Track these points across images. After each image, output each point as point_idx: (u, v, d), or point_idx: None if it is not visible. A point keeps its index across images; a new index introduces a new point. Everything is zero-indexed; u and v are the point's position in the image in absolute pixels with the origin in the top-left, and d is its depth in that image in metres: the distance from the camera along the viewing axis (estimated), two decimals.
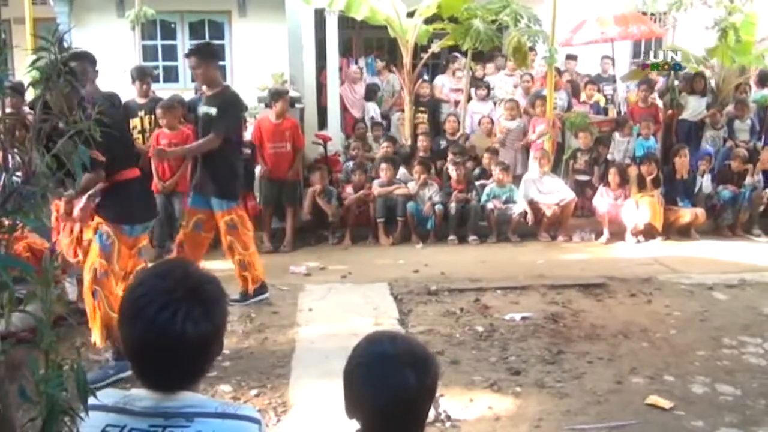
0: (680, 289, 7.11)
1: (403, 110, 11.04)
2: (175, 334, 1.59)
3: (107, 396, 1.70)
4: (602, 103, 11.76)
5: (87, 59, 5.68)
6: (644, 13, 12.62)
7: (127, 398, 1.68)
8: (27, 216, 1.68)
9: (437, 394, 4.59)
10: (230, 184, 6.30)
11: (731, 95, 11.47)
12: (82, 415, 1.60)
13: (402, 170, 9.59)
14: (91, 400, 1.63)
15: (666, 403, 4.59)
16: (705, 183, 9.88)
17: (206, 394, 1.90)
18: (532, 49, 11.32)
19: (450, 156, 9.80)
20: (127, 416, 1.65)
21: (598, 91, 11.83)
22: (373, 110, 11.57)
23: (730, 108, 11.13)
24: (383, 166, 9.31)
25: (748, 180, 9.68)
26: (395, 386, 1.72)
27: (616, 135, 10.44)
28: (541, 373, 5.10)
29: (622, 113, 11.52)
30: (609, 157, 10.24)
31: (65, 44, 1.85)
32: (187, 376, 1.67)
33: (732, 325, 6.07)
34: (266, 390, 4.78)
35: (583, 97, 11.52)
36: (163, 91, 10.32)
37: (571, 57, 12.61)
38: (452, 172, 9.44)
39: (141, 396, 1.67)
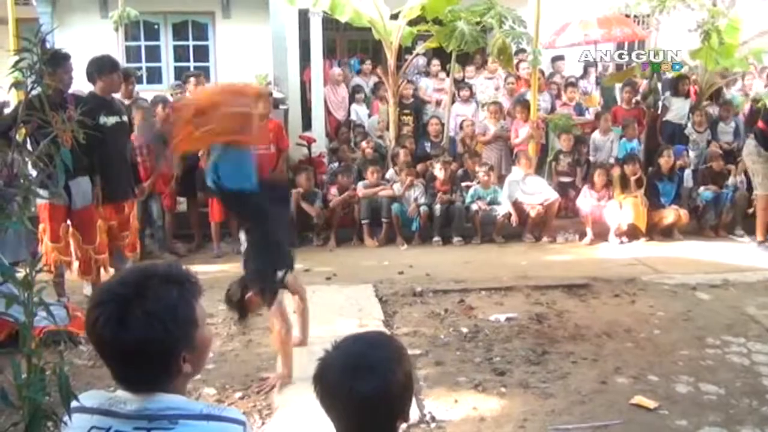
0: (664, 289, 7.13)
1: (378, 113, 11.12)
2: (121, 339, 1.59)
3: (91, 398, 1.70)
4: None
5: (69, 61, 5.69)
6: (627, 16, 12.69)
7: (112, 400, 1.67)
8: (9, 218, 1.67)
9: (421, 396, 4.62)
10: None
11: (713, 97, 11.56)
12: (66, 419, 1.59)
13: (390, 171, 9.60)
14: (74, 404, 1.62)
15: (650, 403, 4.61)
16: (686, 179, 9.94)
17: (190, 397, 1.89)
18: (522, 50, 11.36)
19: (438, 157, 9.83)
20: (112, 418, 1.64)
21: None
22: (357, 112, 11.56)
23: (711, 110, 11.21)
24: (370, 168, 9.30)
25: (730, 180, 9.75)
26: (348, 393, 1.74)
27: (596, 135, 10.49)
28: (526, 373, 5.10)
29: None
30: (591, 158, 10.30)
31: (48, 45, 1.84)
32: (157, 378, 1.66)
33: (715, 324, 6.10)
34: (251, 393, 4.77)
35: (564, 98, 11.55)
36: (146, 92, 10.27)
37: (558, 58, 12.68)
38: (439, 172, 9.43)
39: (125, 398, 1.67)
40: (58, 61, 5.61)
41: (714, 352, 5.53)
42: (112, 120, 6.43)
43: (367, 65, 12.56)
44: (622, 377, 5.06)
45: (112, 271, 6.32)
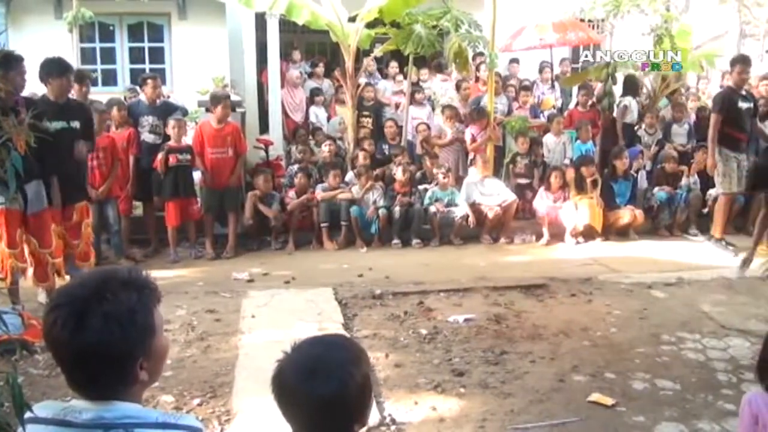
0: (620, 288, 7.24)
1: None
2: (79, 341, 1.57)
3: (46, 408, 1.67)
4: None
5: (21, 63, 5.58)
6: (582, 20, 12.85)
7: (67, 410, 1.64)
8: None
9: (381, 399, 4.62)
10: None
11: (668, 100, 11.76)
12: (19, 430, 1.56)
13: (350, 174, 9.59)
14: (28, 414, 1.59)
15: (608, 400, 4.67)
16: (641, 180, 10.09)
17: (147, 405, 1.87)
18: (481, 54, 11.43)
19: (397, 158, 9.84)
20: (67, 428, 1.62)
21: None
22: (317, 114, 11.53)
23: (665, 112, 11.39)
24: (331, 171, 9.27)
25: (684, 181, 9.93)
26: (305, 395, 1.73)
27: (548, 137, 10.59)
28: (485, 373, 5.14)
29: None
30: (546, 159, 10.41)
31: (0, 46, 1.81)
32: (113, 385, 1.64)
33: (670, 322, 6.21)
34: (210, 399, 4.72)
35: (521, 101, 11.63)
36: (101, 94, 10.12)
37: (513, 61, 12.79)
38: (400, 174, 9.46)
39: (80, 407, 1.64)
40: (9, 63, 5.50)
41: (669, 349, 5.63)
42: (57, 125, 6.27)
43: (320, 68, 12.51)
44: (580, 375, 5.12)
45: (68, 278, 6.20)
